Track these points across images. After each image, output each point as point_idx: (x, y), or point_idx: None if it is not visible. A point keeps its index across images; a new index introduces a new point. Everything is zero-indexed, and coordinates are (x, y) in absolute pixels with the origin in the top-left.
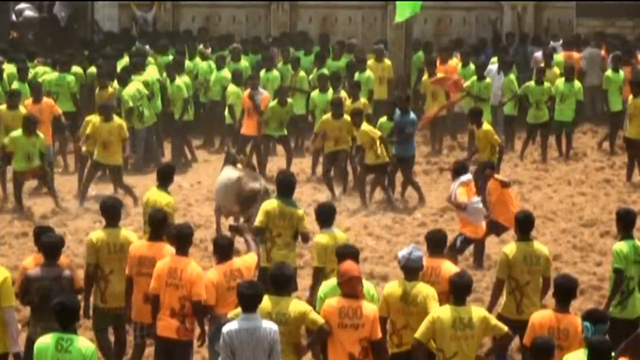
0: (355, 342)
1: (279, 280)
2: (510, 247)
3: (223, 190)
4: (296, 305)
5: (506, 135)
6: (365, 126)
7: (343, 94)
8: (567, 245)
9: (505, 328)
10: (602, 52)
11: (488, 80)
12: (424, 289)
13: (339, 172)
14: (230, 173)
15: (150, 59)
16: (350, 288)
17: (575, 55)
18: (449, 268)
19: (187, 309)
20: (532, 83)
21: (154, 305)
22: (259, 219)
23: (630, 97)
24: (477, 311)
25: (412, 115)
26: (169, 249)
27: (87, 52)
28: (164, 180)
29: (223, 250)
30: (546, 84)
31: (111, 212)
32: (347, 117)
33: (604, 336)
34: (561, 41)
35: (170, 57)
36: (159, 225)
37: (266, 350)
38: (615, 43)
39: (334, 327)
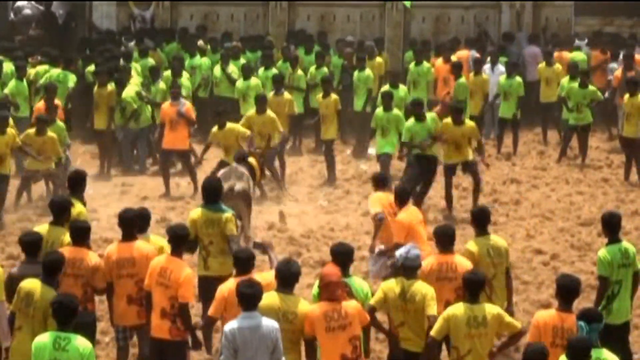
0: (345, 342)
1: (285, 277)
2: (471, 244)
3: None
4: (304, 305)
5: (498, 136)
6: (231, 125)
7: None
8: (565, 244)
9: (519, 325)
10: (597, 52)
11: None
12: (422, 288)
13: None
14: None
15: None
16: (329, 293)
17: (567, 55)
18: (464, 263)
19: (177, 309)
20: (575, 85)
21: (147, 301)
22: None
23: (627, 96)
24: (490, 309)
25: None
26: (140, 244)
27: (86, 50)
28: (74, 189)
29: (242, 263)
30: (590, 87)
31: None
32: (270, 113)
33: (592, 335)
34: (586, 40)
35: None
36: (130, 225)
37: (269, 348)
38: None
39: (322, 331)
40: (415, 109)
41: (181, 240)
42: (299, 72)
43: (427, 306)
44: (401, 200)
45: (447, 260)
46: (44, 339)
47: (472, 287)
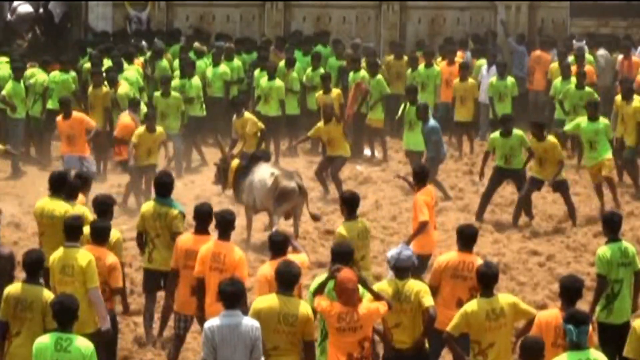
0: (354, 343)
1: (285, 279)
2: (341, 228)
3: (261, 187)
4: (304, 307)
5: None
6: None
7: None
8: (561, 245)
9: (534, 311)
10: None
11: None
12: (415, 285)
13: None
14: (267, 170)
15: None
16: (344, 298)
17: (546, 56)
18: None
19: None
20: (572, 86)
21: (200, 288)
22: (137, 223)
23: (619, 97)
24: (505, 298)
25: (432, 122)
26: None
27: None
28: (56, 188)
29: (278, 245)
30: (587, 89)
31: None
32: (248, 115)
33: (581, 338)
34: (585, 41)
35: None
36: (204, 218)
37: (248, 347)
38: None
39: (333, 330)
40: (503, 124)
41: (229, 224)
42: (293, 73)
43: (422, 298)
44: (421, 180)
45: (465, 260)
46: (45, 340)
47: (487, 281)
